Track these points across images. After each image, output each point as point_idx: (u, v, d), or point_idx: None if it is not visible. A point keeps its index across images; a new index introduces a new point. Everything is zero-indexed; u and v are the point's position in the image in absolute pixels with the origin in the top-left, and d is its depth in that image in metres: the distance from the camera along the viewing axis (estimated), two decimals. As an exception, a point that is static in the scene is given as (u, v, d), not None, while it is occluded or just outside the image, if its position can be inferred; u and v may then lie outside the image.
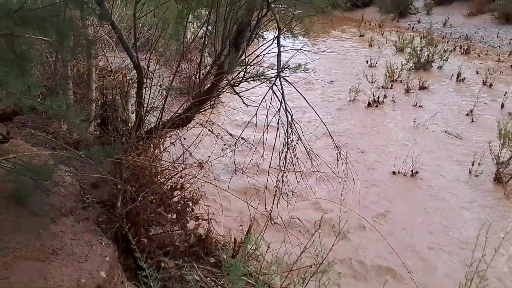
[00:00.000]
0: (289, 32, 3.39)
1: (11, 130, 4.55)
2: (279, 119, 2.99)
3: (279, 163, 3.06)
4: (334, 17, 3.64)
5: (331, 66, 12.87)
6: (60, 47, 2.95)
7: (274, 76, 3.01)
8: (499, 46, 15.31)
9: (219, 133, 5.21)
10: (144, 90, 3.81)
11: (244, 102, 3.02)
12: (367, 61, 13.06)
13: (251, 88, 3.23)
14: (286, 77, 3.09)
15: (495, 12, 18.90)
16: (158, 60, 4.67)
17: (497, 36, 16.64)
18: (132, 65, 3.94)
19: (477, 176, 5.91)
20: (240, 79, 3.16)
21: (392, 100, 9.35)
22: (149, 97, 4.12)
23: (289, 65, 2.86)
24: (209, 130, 4.79)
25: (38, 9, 2.19)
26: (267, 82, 3.30)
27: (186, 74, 7.04)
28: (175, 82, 4.49)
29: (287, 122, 3.07)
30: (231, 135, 5.85)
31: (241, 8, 2.95)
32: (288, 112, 3.04)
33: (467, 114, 8.38)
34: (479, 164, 6.04)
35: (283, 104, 3.02)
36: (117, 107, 4.27)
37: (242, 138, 5.75)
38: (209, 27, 3.47)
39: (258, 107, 2.82)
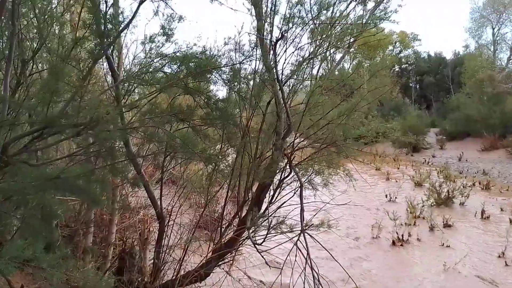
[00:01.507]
0: (309, 184, 3.46)
1: (24, 275, 4.45)
2: (304, 279, 2.85)
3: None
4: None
5: (351, 202, 12.83)
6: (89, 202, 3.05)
7: (298, 232, 2.96)
8: (519, 182, 15.26)
9: (240, 280, 4.97)
10: (164, 240, 3.79)
11: (267, 263, 2.93)
12: (386, 196, 13.04)
13: (274, 247, 3.17)
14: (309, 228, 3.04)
15: (509, 148, 19.35)
16: (181, 206, 4.74)
17: (515, 171, 16.74)
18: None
19: (524, 333, 5.28)
20: (263, 237, 3.13)
21: (418, 239, 9.01)
22: (169, 242, 4.07)
23: (313, 223, 2.83)
24: (226, 272, 4.58)
25: (73, 177, 2.32)
26: (290, 233, 3.25)
27: (207, 211, 7.06)
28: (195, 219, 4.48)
29: (313, 280, 2.92)
30: (249, 278, 5.57)
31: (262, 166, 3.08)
32: (314, 270, 2.91)
33: (499, 256, 7.91)
34: (523, 318, 5.45)
35: (308, 262, 2.90)
36: (135, 254, 4.20)
37: (261, 282, 5.47)
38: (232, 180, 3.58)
39: (282, 268, 2.71)
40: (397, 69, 42.67)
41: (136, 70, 2.65)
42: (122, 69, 4.26)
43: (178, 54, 3.00)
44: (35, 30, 3.89)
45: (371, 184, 15.87)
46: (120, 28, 2.47)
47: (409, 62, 44.89)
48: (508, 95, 24.69)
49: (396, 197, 12.87)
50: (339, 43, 3.45)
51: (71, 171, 2.58)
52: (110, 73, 3.62)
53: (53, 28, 3.75)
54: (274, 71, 3.14)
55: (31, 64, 3.95)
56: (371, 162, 20.32)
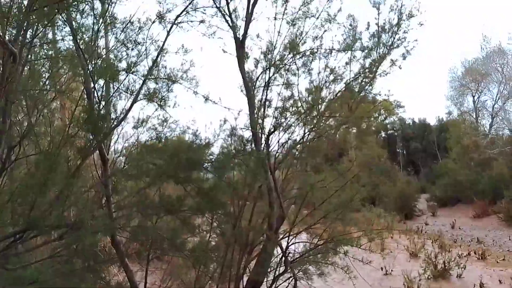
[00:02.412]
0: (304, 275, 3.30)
1: None
2: None
3: None
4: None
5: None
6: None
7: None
8: (514, 251, 15.02)
9: None
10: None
11: None
12: (382, 268, 12.60)
13: None
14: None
15: (500, 214, 19.31)
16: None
17: (509, 239, 16.56)
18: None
19: None
20: None
21: (418, 319, 8.56)
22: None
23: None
24: None
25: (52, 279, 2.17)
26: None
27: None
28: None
29: None
30: None
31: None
32: None
33: (504, 336, 7.50)
34: None
35: None
36: None
37: None
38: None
39: None
40: (383, 135, 43.62)
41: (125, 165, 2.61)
42: (113, 153, 4.22)
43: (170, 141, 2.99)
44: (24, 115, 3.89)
45: (364, 255, 15.37)
46: (113, 125, 2.48)
47: (394, 128, 46.06)
48: (494, 160, 25.16)
49: (392, 270, 12.44)
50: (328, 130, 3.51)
51: (51, 273, 2.42)
52: (100, 158, 3.58)
53: (42, 113, 3.76)
54: (267, 161, 3.14)
55: (18, 148, 3.89)
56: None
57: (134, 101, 2.54)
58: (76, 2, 2.74)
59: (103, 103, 2.62)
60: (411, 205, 24.58)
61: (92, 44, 3.43)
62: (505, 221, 18.95)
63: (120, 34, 3.32)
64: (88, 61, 3.09)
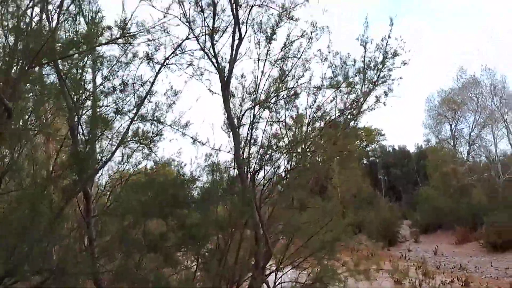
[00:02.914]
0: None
1: None
2: None
3: None
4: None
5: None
6: None
7: None
8: (497, 277, 15.14)
9: None
10: None
11: None
12: (366, 298, 12.51)
13: None
14: None
15: (481, 240, 19.58)
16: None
17: (491, 265, 16.72)
18: None
19: None
20: None
21: None
22: None
23: None
24: None
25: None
26: None
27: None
28: None
29: None
30: None
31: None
32: None
33: None
34: None
35: None
36: None
37: None
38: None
39: None
40: (365, 162, 44.06)
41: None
42: (96, 187, 4.16)
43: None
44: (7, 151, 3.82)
45: (349, 282, 15.18)
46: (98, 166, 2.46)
47: (375, 156, 46.62)
48: (473, 187, 25.67)
49: (377, 299, 12.36)
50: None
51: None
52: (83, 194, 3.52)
53: (25, 149, 3.69)
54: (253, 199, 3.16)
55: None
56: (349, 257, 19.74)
57: (121, 143, 2.55)
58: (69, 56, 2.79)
59: (88, 142, 2.62)
60: (394, 231, 24.67)
61: (78, 79, 3.44)
62: (486, 247, 19.20)
63: (108, 73, 3.36)
64: (72, 97, 3.09)
